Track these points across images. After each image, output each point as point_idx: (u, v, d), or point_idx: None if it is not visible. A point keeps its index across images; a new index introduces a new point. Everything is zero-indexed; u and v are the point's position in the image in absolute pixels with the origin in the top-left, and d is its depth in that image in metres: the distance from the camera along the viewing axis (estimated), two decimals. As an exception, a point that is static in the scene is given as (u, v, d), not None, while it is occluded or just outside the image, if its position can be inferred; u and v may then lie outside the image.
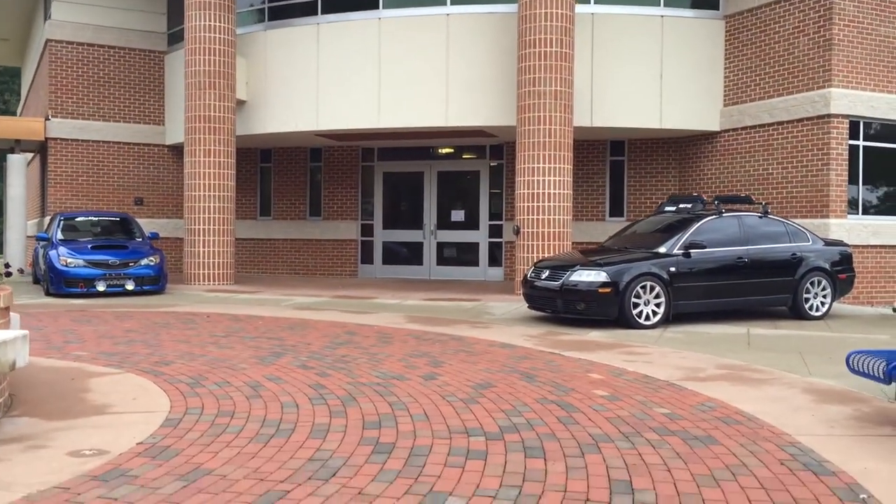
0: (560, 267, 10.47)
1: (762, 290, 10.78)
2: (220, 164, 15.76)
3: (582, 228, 16.48)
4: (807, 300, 11.03)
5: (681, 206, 11.41)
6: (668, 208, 11.62)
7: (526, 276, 10.98)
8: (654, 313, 10.09)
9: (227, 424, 5.16)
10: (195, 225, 15.76)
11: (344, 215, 18.72)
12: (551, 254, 13.20)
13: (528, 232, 13.68)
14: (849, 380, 6.73)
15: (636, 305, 9.98)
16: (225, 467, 4.28)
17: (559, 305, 10.21)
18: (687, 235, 10.55)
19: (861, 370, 5.29)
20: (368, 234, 18.62)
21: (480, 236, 17.69)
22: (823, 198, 13.48)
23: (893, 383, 5.09)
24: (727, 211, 11.16)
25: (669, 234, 10.78)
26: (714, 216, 10.91)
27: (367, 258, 18.65)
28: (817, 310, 11.11)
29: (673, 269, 10.22)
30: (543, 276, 10.52)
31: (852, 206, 13.80)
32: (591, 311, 10.00)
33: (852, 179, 13.75)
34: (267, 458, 4.45)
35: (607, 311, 9.95)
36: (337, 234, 18.74)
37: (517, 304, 12.39)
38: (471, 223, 17.76)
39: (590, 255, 10.88)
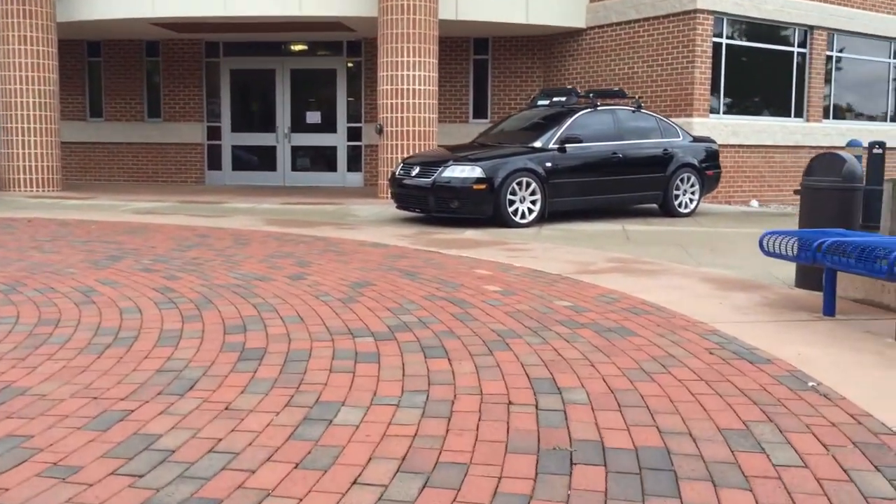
0: (431, 163, 9.73)
1: (635, 186, 10.51)
2: (40, 53, 13.78)
3: (445, 131, 15.75)
4: (676, 197, 10.88)
5: (554, 99, 10.86)
6: (541, 102, 11.05)
7: (394, 173, 10.18)
8: (530, 211, 9.59)
9: (49, 335, 4.15)
10: (11, 124, 13.81)
11: (187, 116, 17.08)
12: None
13: (391, 131, 12.81)
14: (739, 270, 6.45)
15: (512, 203, 9.43)
16: (45, 385, 3.33)
17: (431, 204, 9.51)
18: (563, 129, 10.04)
19: (777, 252, 4.92)
20: (216, 138, 17.12)
21: (338, 140, 16.63)
22: (688, 96, 13.36)
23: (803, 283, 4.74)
24: (601, 105, 10.72)
25: (544, 129, 10.23)
26: (589, 110, 10.45)
27: (215, 164, 17.19)
28: (686, 206, 11.00)
29: (549, 164, 9.72)
30: (413, 174, 9.75)
31: (714, 104, 13.78)
32: (465, 210, 9.36)
33: (715, 78, 13.69)
34: (102, 371, 3.53)
35: (482, 209, 9.35)
36: (180, 138, 17.12)
37: (383, 207, 11.61)
38: (328, 126, 16.63)
39: (462, 150, 10.19)
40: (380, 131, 12.94)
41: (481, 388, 3.31)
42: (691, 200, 11.05)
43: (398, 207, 10.12)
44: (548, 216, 9.83)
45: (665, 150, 10.76)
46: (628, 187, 10.44)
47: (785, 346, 4.03)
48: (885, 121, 16.37)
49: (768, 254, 4.96)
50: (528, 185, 9.53)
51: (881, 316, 4.77)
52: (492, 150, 9.94)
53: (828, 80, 15.26)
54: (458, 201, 9.32)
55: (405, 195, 9.87)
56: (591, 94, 10.74)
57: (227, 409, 3.07)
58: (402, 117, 12.73)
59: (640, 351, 3.91)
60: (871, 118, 16.24)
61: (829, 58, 15.22)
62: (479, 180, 9.26)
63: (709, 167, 11.21)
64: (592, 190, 10.14)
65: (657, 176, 10.66)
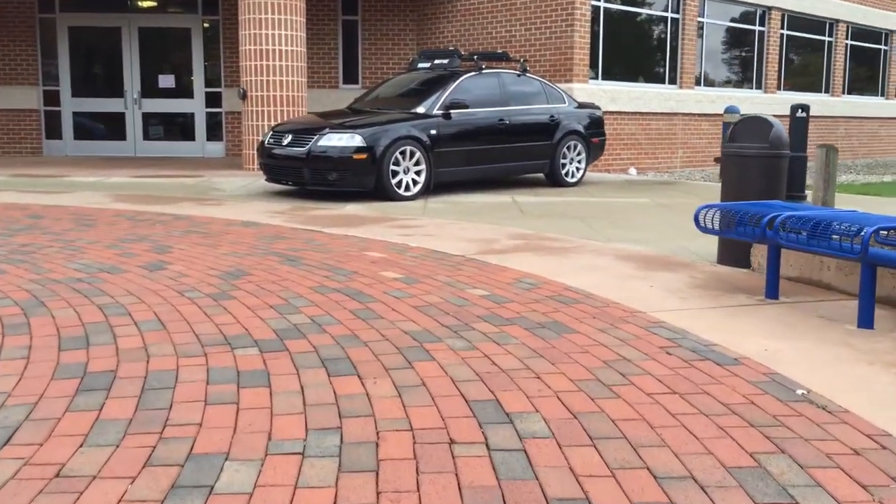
0: (305, 131, 8.77)
1: (523, 155, 9.93)
2: None
3: (314, 97, 14.69)
4: (563, 166, 10.40)
5: (436, 62, 10.10)
6: (421, 65, 10.27)
7: (263, 142, 9.16)
8: (415, 182, 8.83)
9: None
10: None
11: (19, 79, 15.17)
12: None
13: (255, 96, 11.67)
14: (653, 246, 5.97)
15: (395, 174, 8.64)
16: None
17: (306, 176, 8.57)
18: (447, 94, 9.30)
19: (713, 228, 4.39)
20: (54, 104, 15.31)
21: (196, 106, 15.22)
22: (567, 61, 12.92)
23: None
24: (486, 68, 10.05)
25: (427, 93, 9.47)
26: (473, 73, 9.75)
27: (54, 132, 15.40)
28: (573, 176, 10.55)
29: (434, 131, 8.97)
30: (285, 143, 8.77)
31: (593, 70, 13.43)
32: (344, 182, 8.49)
33: (593, 44, 13.32)
34: None
35: (363, 181, 8.51)
36: (11, 103, 15.19)
37: (250, 180, 10.54)
38: (183, 90, 15.18)
39: (338, 117, 9.28)
40: (243, 97, 11.78)
41: (410, 421, 2.55)
42: (577, 170, 10.62)
43: (268, 180, 9.12)
44: (433, 188, 9.11)
45: (552, 116, 10.24)
46: (516, 156, 9.86)
47: (744, 339, 3.49)
48: (752, 88, 16.61)
49: (705, 230, 4.43)
50: (413, 154, 8.76)
51: (824, 296, 4.34)
52: (371, 116, 9.08)
53: (699, 47, 15.25)
54: (336, 173, 8.43)
55: (276, 167, 8.88)
56: (475, 57, 10.04)
57: (58, 475, 2.17)
58: (267, 81, 11.61)
59: (587, 354, 3.26)
60: (739, 85, 16.43)
61: (701, 25, 15.20)
62: (359, 149, 8.40)
63: (594, 134, 10.80)
64: (480, 159, 9.48)
65: (544, 144, 10.14)
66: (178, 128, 15.32)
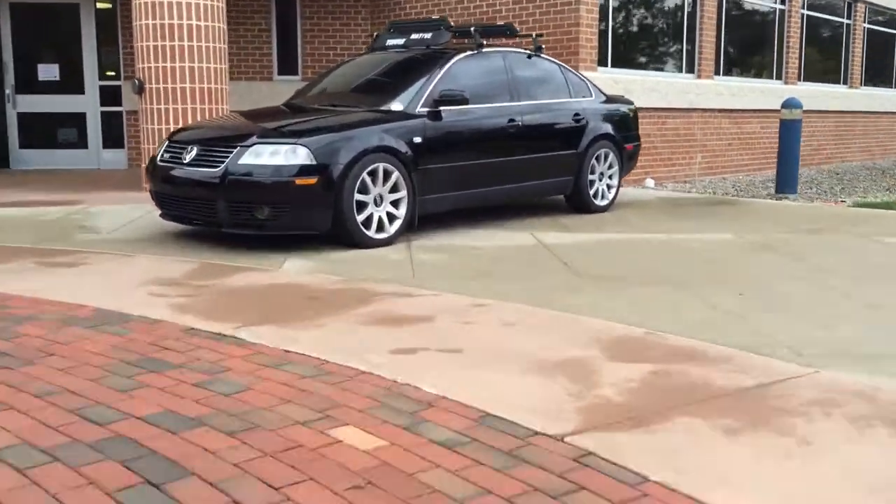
0: (220, 141, 5.64)
1: (540, 170, 6.96)
2: None
3: (240, 91, 11.47)
4: (592, 183, 7.47)
5: (413, 37, 7.02)
6: (391, 42, 7.18)
7: (155, 158, 5.98)
8: (392, 218, 5.77)
9: None
10: None
11: None
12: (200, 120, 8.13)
13: (155, 89, 8.40)
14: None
15: (362, 207, 5.56)
16: None
17: (221, 213, 5.42)
18: (435, 82, 6.24)
19: None
20: None
21: (88, 104, 11.82)
22: (571, 41, 9.97)
23: None
24: (487, 46, 7.03)
25: (404, 82, 6.41)
26: (471, 53, 6.71)
27: None
28: (603, 197, 7.62)
29: (417, 139, 5.91)
30: (188, 159, 5.61)
31: (602, 55, 10.53)
32: (282, 223, 5.37)
33: (602, 22, 10.42)
34: None
35: (312, 219, 5.41)
36: None
37: (144, 210, 7.33)
38: (72, 84, 11.77)
39: (272, 118, 6.15)
40: (139, 90, 8.52)
41: None
42: (609, 188, 7.69)
43: (164, 216, 5.95)
44: (417, 223, 6.05)
45: (577, 115, 7.29)
46: (532, 172, 6.87)
47: None
48: (772, 78, 13.92)
49: None
50: (388, 174, 5.69)
51: None
52: (321, 117, 5.96)
53: (720, 30, 12.48)
54: (269, 208, 5.30)
55: (174, 197, 5.70)
56: (473, 30, 6.96)
57: None
58: (172, 68, 8.36)
59: None
60: (758, 75, 13.72)
61: (722, 2, 12.43)
62: (305, 170, 5.30)
63: (627, 139, 7.87)
64: (482, 179, 6.46)
65: (567, 154, 7.18)
66: (66, 131, 11.91)
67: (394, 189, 5.75)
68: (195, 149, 5.60)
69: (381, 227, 5.69)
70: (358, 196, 5.50)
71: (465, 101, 6.14)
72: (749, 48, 13.51)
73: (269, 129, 5.65)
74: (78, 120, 11.82)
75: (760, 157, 13.05)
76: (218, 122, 6.50)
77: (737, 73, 13.18)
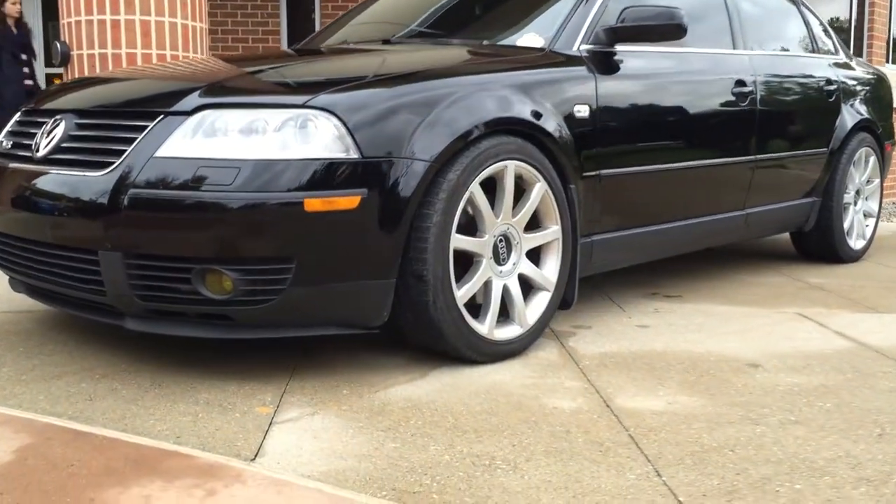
0: (123, 105, 2.36)
1: (776, 184, 3.62)
2: None
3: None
4: (845, 209, 4.10)
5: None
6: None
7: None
8: (530, 290, 2.45)
9: None
10: None
11: None
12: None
13: (88, 56, 5.13)
14: None
15: (466, 264, 2.26)
16: None
17: (113, 282, 2.09)
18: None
19: None
20: None
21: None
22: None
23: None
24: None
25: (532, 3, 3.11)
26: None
27: None
28: (861, 236, 4.26)
29: (582, 109, 2.60)
30: (48, 145, 2.31)
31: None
32: (274, 308, 2.04)
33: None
34: None
35: (348, 299, 2.09)
36: None
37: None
38: None
39: (256, 62, 2.83)
40: (65, 59, 5.24)
41: None
42: (866, 216, 4.35)
43: (13, 284, 2.63)
44: (576, 297, 2.69)
45: (829, 82, 3.96)
46: (766, 187, 3.53)
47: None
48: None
49: None
50: (521, 187, 2.39)
51: None
52: (365, 56, 2.69)
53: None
54: (235, 272, 1.99)
55: (15, 242, 2.37)
56: None
57: None
58: (113, 22, 5.08)
59: None
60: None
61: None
62: (333, 172, 2.00)
63: (886, 131, 4.50)
64: (691, 198, 3.14)
65: (814, 155, 3.84)
66: None
67: (534, 221, 2.44)
68: (63, 123, 2.30)
69: (504, 312, 2.37)
70: (458, 240, 2.20)
71: (678, 31, 2.78)
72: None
73: (239, 75, 2.37)
74: None
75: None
76: (144, 70, 3.11)
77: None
